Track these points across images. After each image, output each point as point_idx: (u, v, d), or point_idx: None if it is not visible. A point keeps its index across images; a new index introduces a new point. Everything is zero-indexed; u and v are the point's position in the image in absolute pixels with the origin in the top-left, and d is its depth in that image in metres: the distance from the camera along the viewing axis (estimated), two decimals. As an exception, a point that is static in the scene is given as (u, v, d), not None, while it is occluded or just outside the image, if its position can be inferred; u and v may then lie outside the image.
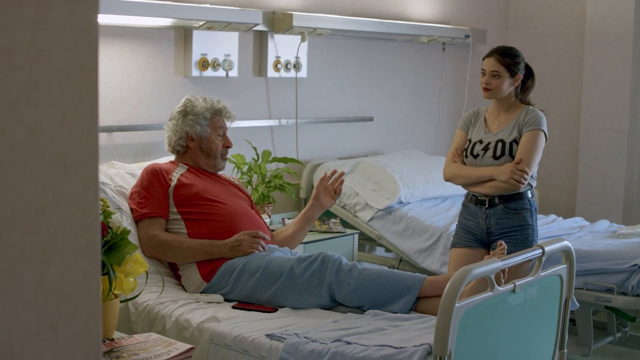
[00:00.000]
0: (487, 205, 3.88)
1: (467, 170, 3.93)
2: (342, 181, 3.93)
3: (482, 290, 2.67)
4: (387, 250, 5.15)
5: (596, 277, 4.12)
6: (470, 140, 4.02)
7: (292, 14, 4.69)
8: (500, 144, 3.88)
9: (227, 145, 3.83)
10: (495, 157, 3.87)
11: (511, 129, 3.90)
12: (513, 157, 3.84)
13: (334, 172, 3.95)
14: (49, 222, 1.23)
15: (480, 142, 3.95)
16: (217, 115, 3.80)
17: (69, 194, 1.25)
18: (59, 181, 1.24)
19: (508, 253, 3.45)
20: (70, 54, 1.24)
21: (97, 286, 1.33)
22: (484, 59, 3.99)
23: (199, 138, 3.74)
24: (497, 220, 3.86)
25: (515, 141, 3.86)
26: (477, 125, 4.05)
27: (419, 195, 5.01)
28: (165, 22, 4.18)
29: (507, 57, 3.91)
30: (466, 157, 3.98)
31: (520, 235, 3.84)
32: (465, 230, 3.97)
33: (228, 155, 3.93)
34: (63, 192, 1.24)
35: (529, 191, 3.91)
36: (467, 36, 5.97)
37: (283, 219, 4.63)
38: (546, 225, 4.95)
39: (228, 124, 3.89)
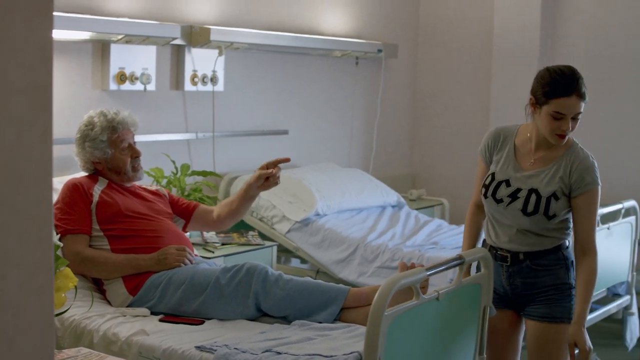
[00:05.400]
0: (509, 263, 3.17)
1: None
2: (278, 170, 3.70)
3: (405, 299, 2.74)
4: (303, 261, 5.21)
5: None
6: (493, 175, 3.22)
7: (209, 28, 4.72)
8: (533, 197, 3.10)
9: (135, 156, 3.77)
10: (525, 212, 3.10)
11: (551, 176, 3.11)
12: (548, 216, 3.08)
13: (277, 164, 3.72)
14: (5, 237, 1.24)
15: (507, 183, 3.16)
16: (115, 133, 3.72)
17: (24, 209, 1.27)
18: (14, 196, 1.25)
19: (544, 315, 3.13)
20: (27, 72, 1.26)
21: (51, 300, 1.35)
22: (554, 97, 3.00)
23: (104, 160, 3.72)
24: (523, 280, 3.17)
25: (555, 195, 3.07)
26: (503, 152, 3.23)
27: (336, 207, 5.09)
28: (84, 35, 4.16)
29: (585, 87, 3.01)
30: (485, 196, 3.22)
31: (555, 295, 3.14)
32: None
33: (143, 165, 3.88)
34: (18, 207, 1.26)
35: (565, 241, 3.19)
36: (379, 50, 6.10)
37: (202, 232, 4.64)
38: (459, 235, 5.07)
39: (141, 137, 3.80)
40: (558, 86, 2.98)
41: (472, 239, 3.36)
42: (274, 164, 3.70)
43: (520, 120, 6.20)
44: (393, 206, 5.56)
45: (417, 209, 5.76)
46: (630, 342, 4.95)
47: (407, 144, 6.93)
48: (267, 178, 3.69)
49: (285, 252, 5.23)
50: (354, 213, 5.24)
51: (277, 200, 5.01)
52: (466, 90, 6.65)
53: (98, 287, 3.55)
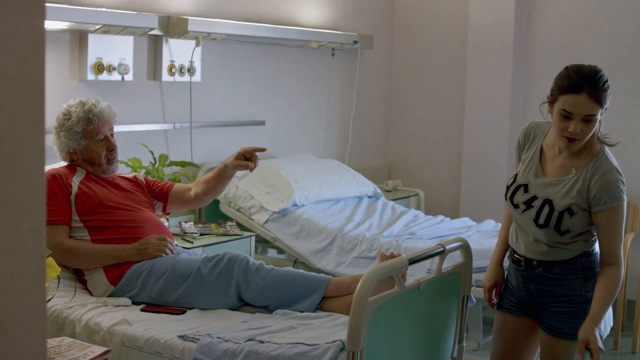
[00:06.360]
0: (523, 267, 3.05)
1: None
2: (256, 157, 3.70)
3: (385, 289, 2.77)
4: (280, 251, 5.22)
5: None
6: (516, 177, 3.06)
7: (187, 19, 4.72)
8: (547, 208, 2.91)
9: (110, 149, 3.75)
10: (536, 223, 2.94)
11: (569, 188, 2.90)
12: (560, 232, 2.91)
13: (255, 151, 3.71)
14: (-2, 226, 1.25)
15: (525, 189, 3.00)
16: (90, 124, 3.69)
17: (17, 198, 1.28)
18: (8, 185, 1.26)
19: (554, 329, 3.00)
20: (19, 61, 1.26)
21: (43, 288, 1.35)
22: (563, 93, 2.81)
23: (78, 150, 3.71)
24: (536, 286, 3.03)
25: (570, 210, 2.88)
26: (530, 153, 3.05)
27: (313, 197, 5.11)
28: (61, 25, 4.14)
29: (601, 89, 2.77)
30: (505, 197, 3.07)
31: (568, 308, 2.97)
32: (510, 291, 3.17)
33: (120, 156, 3.87)
34: (12, 196, 1.27)
35: (588, 250, 3.00)
36: (355, 42, 6.12)
37: (180, 223, 4.64)
38: (435, 226, 5.12)
39: (119, 128, 3.80)
40: (569, 82, 2.77)
41: (505, 238, 3.24)
42: (251, 153, 3.70)
43: (498, 110, 6.26)
44: (370, 197, 5.58)
45: (393, 200, 5.79)
46: (604, 330, 4.99)
47: (383, 135, 6.96)
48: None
49: (263, 243, 5.24)
50: (331, 203, 5.26)
51: (254, 190, 5.02)
52: (441, 82, 6.69)
53: (79, 277, 3.55)
